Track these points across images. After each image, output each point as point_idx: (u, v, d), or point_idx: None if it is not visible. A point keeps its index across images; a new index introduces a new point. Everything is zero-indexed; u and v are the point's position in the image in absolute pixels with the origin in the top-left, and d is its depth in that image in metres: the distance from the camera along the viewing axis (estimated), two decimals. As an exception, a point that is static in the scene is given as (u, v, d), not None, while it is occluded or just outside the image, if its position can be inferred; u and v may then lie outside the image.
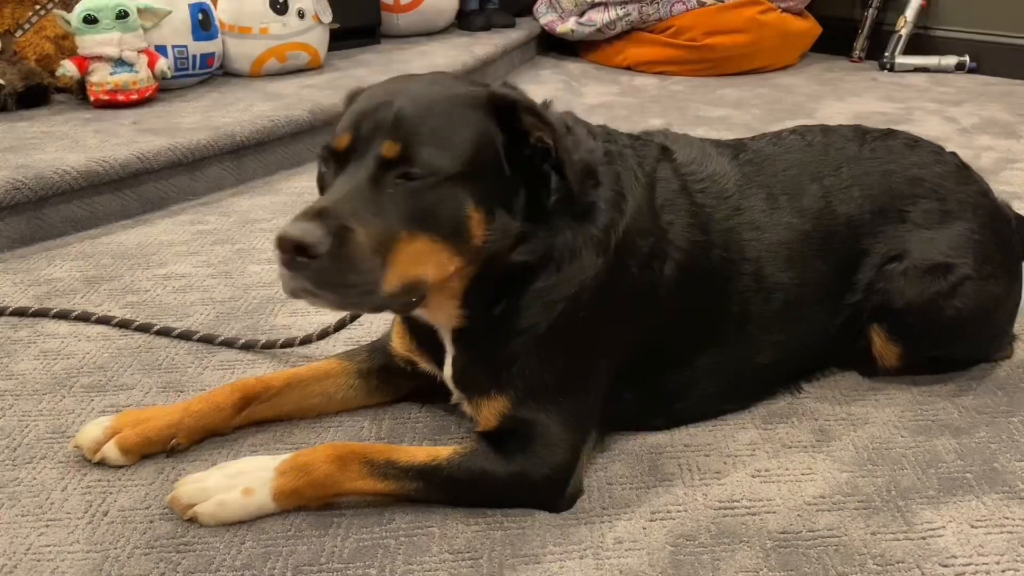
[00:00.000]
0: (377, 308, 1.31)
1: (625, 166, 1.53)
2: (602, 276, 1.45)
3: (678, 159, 1.64)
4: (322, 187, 1.39)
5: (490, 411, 1.47)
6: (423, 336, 1.58)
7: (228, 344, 1.94)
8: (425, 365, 1.62)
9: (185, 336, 1.97)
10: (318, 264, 1.19)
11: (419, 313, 1.45)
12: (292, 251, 1.18)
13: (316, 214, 1.20)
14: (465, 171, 1.29)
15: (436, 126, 1.29)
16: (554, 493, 1.44)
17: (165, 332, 1.99)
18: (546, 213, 1.40)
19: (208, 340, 1.96)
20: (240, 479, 1.41)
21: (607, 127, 1.62)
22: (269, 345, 1.92)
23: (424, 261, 1.28)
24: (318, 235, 1.17)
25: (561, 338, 1.44)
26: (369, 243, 1.21)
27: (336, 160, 1.32)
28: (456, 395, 1.57)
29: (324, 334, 1.90)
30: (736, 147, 1.78)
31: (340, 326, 1.90)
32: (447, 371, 1.54)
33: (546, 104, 1.57)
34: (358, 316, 1.87)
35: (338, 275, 1.20)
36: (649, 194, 1.54)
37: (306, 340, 1.91)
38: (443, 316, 1.46)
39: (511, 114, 1.35)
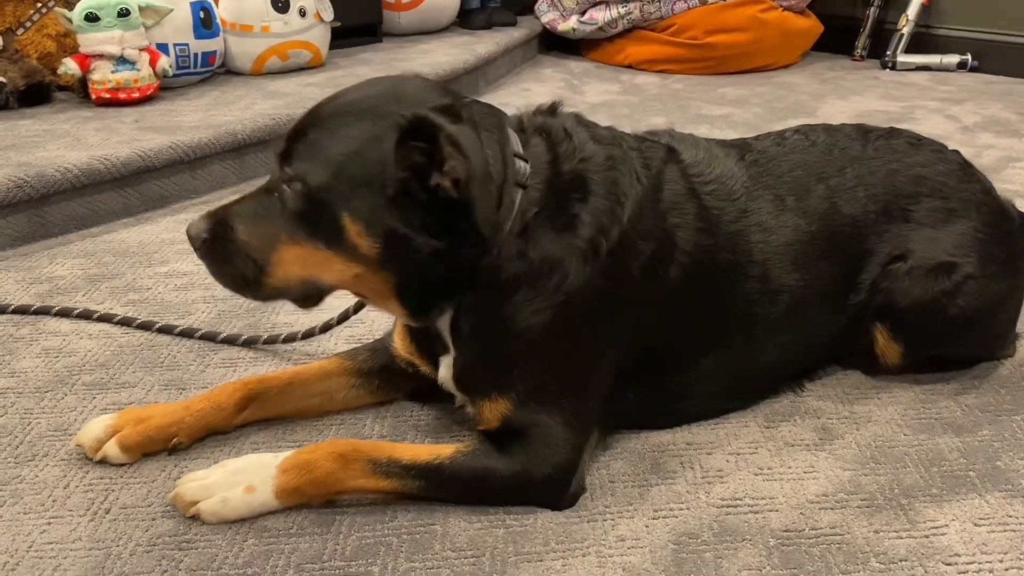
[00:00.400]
0: (268, 298, 1.43)
1: (627, 170, 1.51)
2: (596, 280, 1.44)
3: (685, 161, 1.63)
4: None
5: (492, 412, 1.46)
6: (422, 339, 1.57)
7: (230, 341, 1.94)
8: (424, 367, 1.62)
9: (187, 334, 1.97)
10: (201, 252, 1.40)
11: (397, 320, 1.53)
12: (190, 241, 1.41)
13: (208, 214, 1.40)
14: (334, 183, 1.32)
15: (320, 137, 1.34)
16: (556, 492, 1.44)
17: (166, 330, 1.99)
18: (472, 233, 1.34)
19: (210, 338, 1.96)
20: (242, 476, 1.41)
21: (613, 129, 1.61)
22: (271, 340, 1.92)
23: (313, 265, 1.37)
24: (199, 230, 1.38)
25: (561, 340, 1.44)
26: (247, 240, 1.37)
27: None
28: (459, 397, 1.57)
29: (327, 327, 1.91)
30: (742, 147, 1.77)
31: (343, 318, 1.90)
32: (443, 372, 1.54)
33: (555, 105, 1.57)
34: (361, 308, 1.86)
35: (215, 264, 1.40)
36: (654, 196, 1.53)
37: (308, 334, 1.92)
38: (394, 312, 1.49)
39: (417, 136, 1.30)
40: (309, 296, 1.44)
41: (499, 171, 1.38)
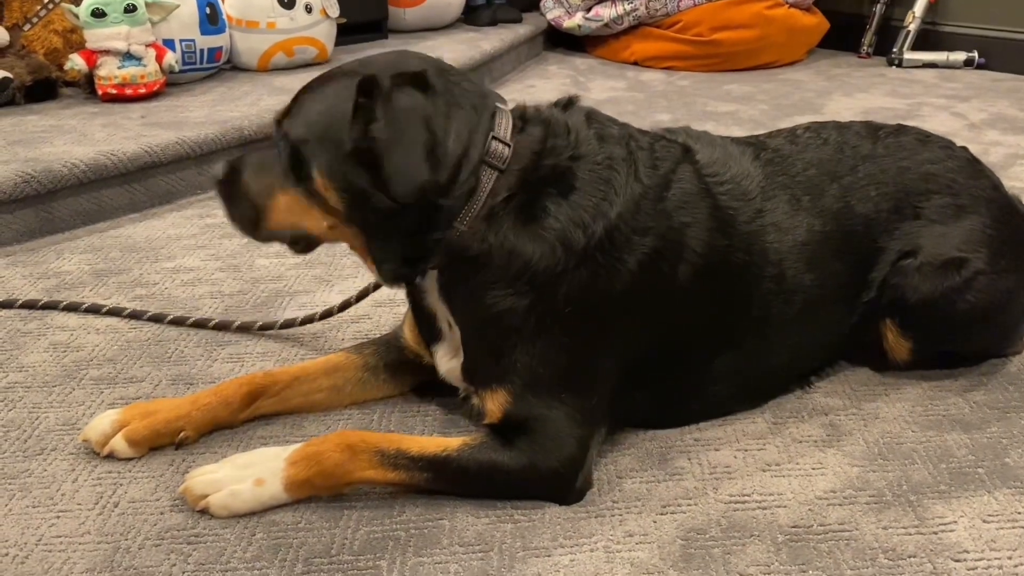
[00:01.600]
0: (266, 239, 1.59)
1: (625, 170, 1.49)
2: (578, 272, 1.42)
3: (700, 160, 1.62)
4: None
5: (494, 403, 1.47)
6: (428, 329, 1.58)
7: (245, 329, 1.96)
8: (430, 360, 1.62)
9: (200, 324, 1.98)
10: (219, 190, 1.57)
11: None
12: (211, 178, 1.59)
13: (228, 160, 1.57)
14: (308, 137, 1.43)
15: (306, 98, 1.48)
16: (563, 486, 1.44)
17: (179, 321, 2.00)
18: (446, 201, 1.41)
19: (224, 327, 1.98)
20: (251, 470, 1.41)
21: (628, 127, 1.59)
22: (288, 324, 1.94)
23: (297, 213, 1.49)
24: (217, 172, 1.56)
25: (547, 331, 1.44)
26: (251, 185, 1.52)
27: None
28: (463, 388, 1.57)
29: (345, 305, 1.92)
30: (756, 146, 1.75)
31: (363, 295, 1.90)
32: (441, 363, 1.55)
33: (572, 100, 1.57)
34: (377, 287, 1.86)
35: (227, 203, 1.56)
36: (656, 194, 1.51)
37: (327, 314, 1.93)
38: (371, 271, 1.54)
39: (368, 94, 1.39)
40: (298, 241, 1.56)
41: (453, 146, 1.39)
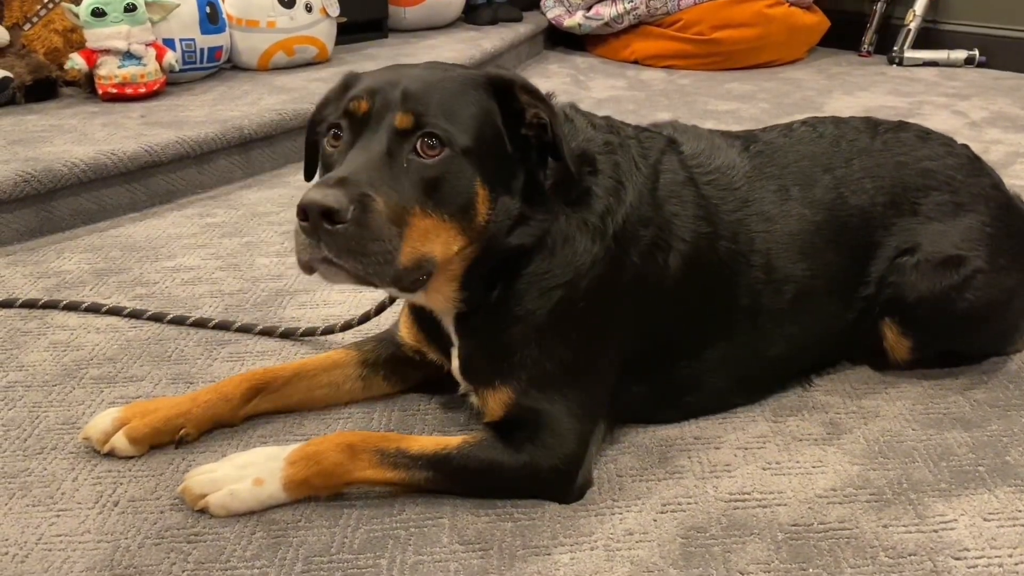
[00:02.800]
0: (393, 281, 1.27)
1: (625, 156, 1.53)
2: (601, 264, 1.44)
3: (685, 151, 1.64)
4: (327, 165, 1.37)
5: (496, 402, 1.47)
6: (430, 326, 1.58)
7: (267, 333, 1.95)
8: (433, 355, 1.62)
9: (200, 324, 1.98)
10: (343, 231, 1.19)
11: (418, 298, 1.46)
12: (318, 218, 1.18)
13: (338, 182, 1.20)
14: (473, 147, 1.30)
15: (444, 101, 1.30)
16: (563, 484, 1.44)
17: (179, 320, 2.00)
18: (543, 196, 1.41)
19: (247, 329, 1.97)
20: (250, 469, 1.41)
21: (610, 118, 1.62)
22: (309, 333, 1.91)
23: (433, 238, 1.29)
24: (343, 201, 1.18)
25: (561, 327, 1.44)
26: (388, 213, 1.21)
27: (351, 128, 1.32)
28: (463, 386, 1.57)
29: (365, 318, 1.87)
30: (746, 138, 1.77)
31: (380, 309, 1.85)
32: (455, 364, 1.54)
33: (549, 96, 1.57)
34: (383, 310, 1.85)
35: (360, 243, 1.20)
36: (651, 184, 1.53)
37: (347, 326, 1.89)
38: (441, 300, 1.45)
39: (508, 93, 1.36)
40: (418, 280, 1.31)
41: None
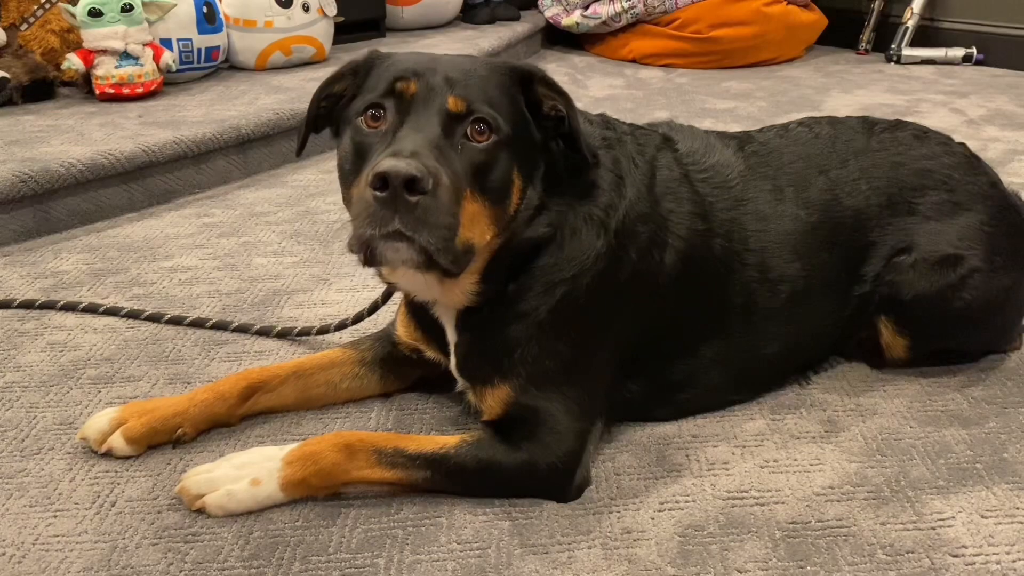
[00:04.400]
0: (453, 261, 1.25)
1: (623, 152, 1.53)
2: (603, 260, 1.45)
3: (680, 148, 1.64)
4: (362, 146, 1.32)
5: (494, 400, 1.46)
6: (428, 324, 1.57)
7: (284, 334, 1.93)
8: (431, 353, 1.62)
9: (198, 323, 1.98)
10: (422, 202, 1.18)
11: (432, 292, 1.45)
12: (400, 187, 1.16)
13: (411, 155, 1.19)
14: (513, 134, 1.32)
15: (485, 88, 1.31)
16: (562, 482, 1.44)
17: (176, 320, 2.00)
18: (560, 187, 1.43)
19: (243, 329, 1.96)
20: (248, 470, 1.41)
21: (606, 115, 1.63)
22: (305, 332, 1.91)
23: (477, 223, 1.29)
24: (424, 172, 1.17)
25: (561, 324, 1.44)
26: (452, 191, 1.22)
27: (398, 109, 1.30)
28: (460, 383, 1.57)
29: (359, 318, 1.87)
30: (742, 139, 1.77)
31: (373, 309, 1.86)
32: (455, 361, 1.54)
33: None
34: (376, 309, 1.85)
35: (436, 215, 1.19)
36: (648, 180, 1.54)
37: (341, 326, 1.89)
38: (458, 293, 1.44)
39: (529, 85, 1.38)
40: (463, 265, 1.31)
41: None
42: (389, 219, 1.19)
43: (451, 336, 1.52)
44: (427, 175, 1.17)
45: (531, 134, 1.38)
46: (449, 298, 1.46)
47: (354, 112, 1.36)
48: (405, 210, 1.18)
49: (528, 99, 1.39)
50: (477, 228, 1.30)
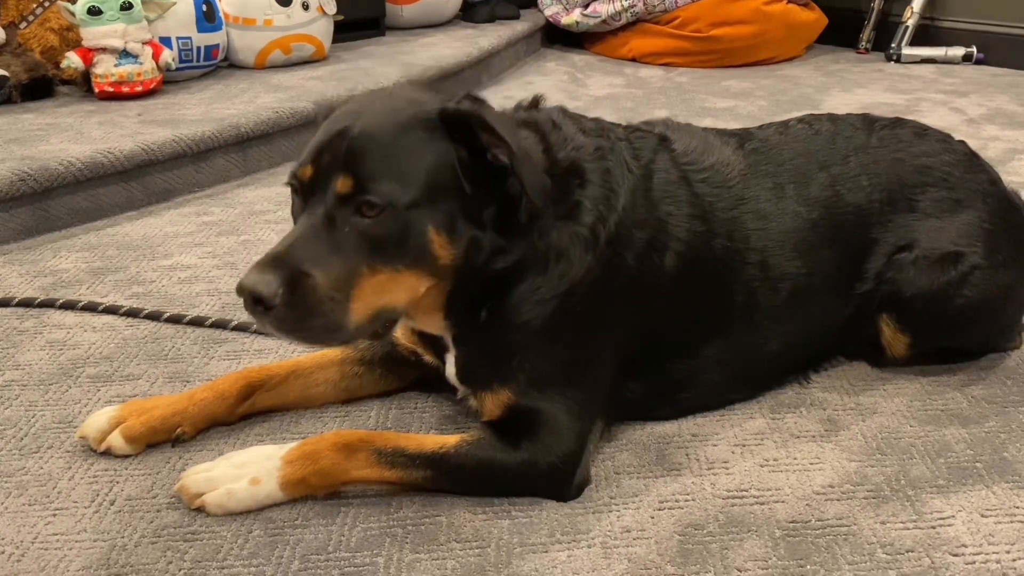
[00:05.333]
0: (346, 342, 1.32)
1: (616, 160, 1.51)
2: (595, 270, 1.44)
3: (677, 149, 1.63)
4: (294, 210, 1.37)
5: (494, 403, 1.46)
6: (425, 334, 1.57)
7: (264, 332, 1.92)
8: (429, 358, 1.62)
9: (197, 322, 1.98)
10: (276, 312, 1.22)
11: (409, 325, 1.47)
12: (250, 302, 1.23)
13: (271, 262, 1.23)
14: (421, 198, 1.27)
15: (389, 155, 1.27)
16: (561, 482, 1.43)
17: (175, 319, 1.99)
18: (519, 224, 1.37)
19: (243, 328, 1.96)
20: (247, 469, 1.41)
21: (601, 121, 1.61)
22: None
23: (390, 290, 1.29)
24: (272, 286, 1.21)
25: (559, 330, 1.44)
26: (328, 284, 1.23)
27: (302, 192, 1.31)
28: (461, 390, 1.57)
29: None
30: (742, 136, 1.77)
31: None
32: (449, 369, 1.53)
33: (538, 100, 1.56)
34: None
35: (296, 320, 1.23)
36: (644, 185, 1.53)
37: None
38: (432, 326, 1.47)
39: (466, 130, 1.31)
40: (382, 328, 1.34)
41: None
42: (263, 321, 1.25)
43: (450, 346, 1.51)
44: (273, 291, 1.20)
45: (458, 187, 1.30)
46: (428, 328, 1.48)
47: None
48: (264, 318, 1.24)
49: (470, 144, 1.31)
50: (393, 292, 1.29)
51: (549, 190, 1.37)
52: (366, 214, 1.25)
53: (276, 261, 1.23)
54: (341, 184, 1.25)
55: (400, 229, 1.26)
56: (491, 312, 1.43)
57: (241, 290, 1.22)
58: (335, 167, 1.26)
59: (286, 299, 1.21)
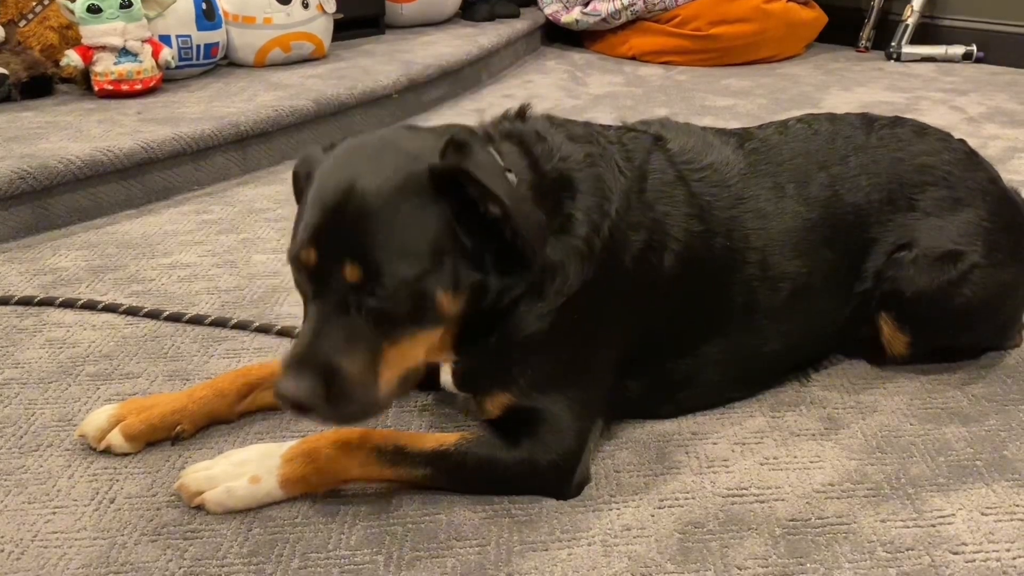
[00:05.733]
0: (382, 411, 1.35)
1: (608, 165, 1.49)
2: (593, 277, 1.43)
3: (673, 148, 1.62)
4: (302, 291, 1.31)
5: (494, 405, 1.46)
6: None
7: (284, 333, 1.91)
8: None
9: (196, 320, 1.98)
10: (316, 412, 1.25)
11: None
12: (293, 408, 1.25)
13: (301, 364, 1.23)
14: (428, 267, 1.25)
15: (391, 233, 1.24)
16: (561, 480, 1.43)
17: (175, 317, 1.99)
18: (520, 259, 1.33)
19: (243, 326, 1.95)
20: (247, 467, 1.40)
21: (591, 125, 1.59)
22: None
23: (410, 354, 1.29)
24: (310, 391, 1.22)
25: (559, 336, 1.43)
26: (357, 372, 1.24)
27: (307, 279, 1.27)
28: (461, 398, 1.56)
29: None
30: (741, 135, 1.77)
31: None
32: (445, 376, 1.53)
33: (524, 109, 1.54)
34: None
35: (335, 411, 1.25)
36: (639, 186, 1.52)
37: None
38: (439, 359, 1.46)
39: (456, 184, 1.27)
40: (407, 388, 1.35)
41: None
42: (304, 419, 1.29)
43: (449, 361, 1.50)
44: (313, 398, 1.22)
45: (458, 246, 1.28)
46: (434, 359, 1.45)
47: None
48: (309, 417, 1.27)
49: (462, 196, 1.26)
50: (412, 354, 1.29)
51: (546, 231, 1.35)
52: (378, 295, 1.23)
53: (305, 362, 1.23)
54: (350, 272, 1.22)
55: (413, 302, 1.25)
56: (497, 335, 1.41)
57: (283, 400, 1.24)
58: (340, 253, 1.23)
59: (323, 397, 1.22)
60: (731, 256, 1.61)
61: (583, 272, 1.42)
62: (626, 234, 1.47)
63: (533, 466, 1.42)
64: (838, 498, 1.44)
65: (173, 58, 3.33)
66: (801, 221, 1.68)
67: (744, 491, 1.46)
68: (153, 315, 2.01)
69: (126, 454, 1.52)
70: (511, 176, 1.38)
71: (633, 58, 4.89)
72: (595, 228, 1.44)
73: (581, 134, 1.54)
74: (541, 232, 1.34)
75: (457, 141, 1.29)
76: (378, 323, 1.24)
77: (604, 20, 4.87)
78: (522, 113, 1.54)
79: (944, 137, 1.86)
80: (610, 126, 1.65)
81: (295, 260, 1.27)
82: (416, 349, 1.30)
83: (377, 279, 1.22)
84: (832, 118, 1.85)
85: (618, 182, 1.49)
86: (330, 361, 1.23)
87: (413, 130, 1.42)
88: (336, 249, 1.24)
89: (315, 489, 1.42)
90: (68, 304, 2.06)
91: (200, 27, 3.45)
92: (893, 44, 4.94)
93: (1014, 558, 1.32)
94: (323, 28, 3.87)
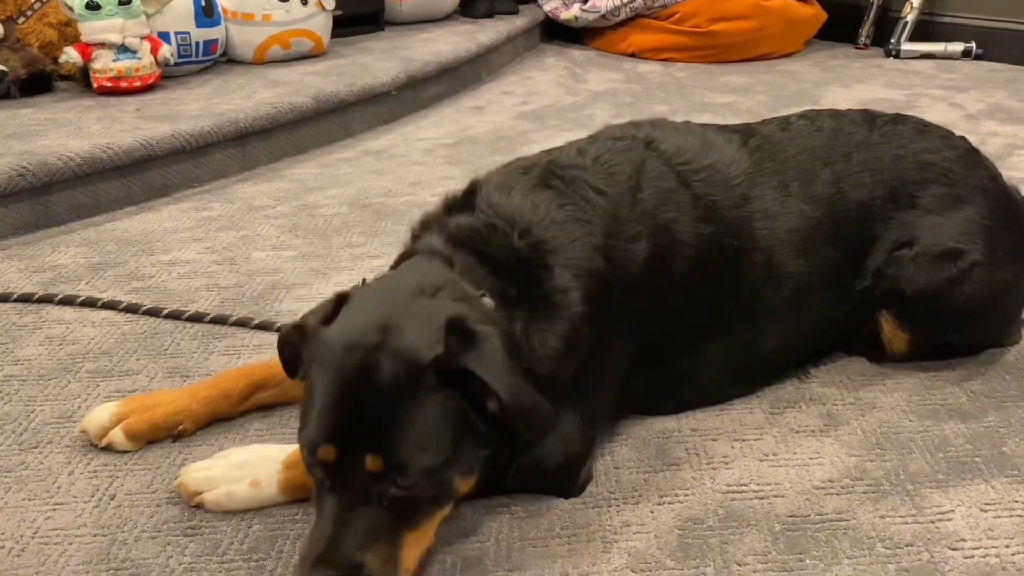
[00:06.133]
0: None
1: (576, 198, 1.44)
2: (594, 304, 1.39)
3: (667, 150, 1.60)
4: (315, 477, 1.23)
5: None
6: None
7: (264, 327, 1.91)
8: None
9: (196, 318, 1.98)
10: None
11: None
12: None
13: (325, 563, 1.16)
14: (449, 456, 1.22)
15: (411, 424, 1.20)
16: (567, 481, 1.44)
17: (175, 315, 1.99)
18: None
19: (243, 323, 1.96)
20: (247, 470, 1.40)
21: (553, 157, 1.53)
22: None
23: (427, 534, 1.26)
24: None
25: (568, 364, 1.39)
26: (381, 565, 1.18)
27: (325, 472, 1.20)
28: None
29: None
30: (745, 133, 1.76)
31: None
32: None
33: (471, 189, 1.46)
34: None
35: None
36: (630, 198, 1.50)
37: None
38: None
39: (463, 377, 1.22)
40: (424, 563, 1.30)
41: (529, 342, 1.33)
42: None
43: None
44: None
45: (471, 430, 1.24)
46: None
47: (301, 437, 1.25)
48: None
49: (470, 386, 1.22)
50: (430, 535, 1.26)
51: (550, 420, 1.31)
52: (400, 484, 1.19)
53: (326, 560, 1.16)
54: (371, 463, 1.18)
55: (432, 489, 1.22)
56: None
57: None
58: (361, 447, 1.18)
59: None
60: (739, 256, 1.60)
61: (584, 333, 1.37)
62: (625, 248, 1.46)
63: (541, 468, 1.41)
64: (837, 494, 1.44)
65: (172, 55, 3.32)
66: (806, 220, 1.67)
67: (744, 487, 1.46)
68: (153, 312, 2.01)
69: (127, 451, 1.52)
70: (486, 301, 1.31)
71: (632, 55, 4.88)
72: (587, 272, 1.40)
73: (537, 182, 1.46)
74: (543, 421, 1.29)
75: (459, 327, 1.23)
76: (400, 510, 1.20)
77: (603, 17, 4.86)
78: (470, 195, 1.46)
79: (945, 134, 1.86)
80: (596, 138, 1.63)
81: (311, 452, 1.22)
82: (433, 526, 1.27)
83: (400, 470, 1.18)
84: (834, 115, 1.85)
85: (596, 207, 1.45)
86: (352, 558, 1.16)
87: (414, 296, 1.29)
88: (356, 443, 1.19)
89: (316, 494, 1.41)
90: (68, 301, 2.06)
91: (199, 24, 3.44)
92: (892, 41, 4.94)
93: (1013, 554, 1.32)
94: (322, 25, 3.86)
